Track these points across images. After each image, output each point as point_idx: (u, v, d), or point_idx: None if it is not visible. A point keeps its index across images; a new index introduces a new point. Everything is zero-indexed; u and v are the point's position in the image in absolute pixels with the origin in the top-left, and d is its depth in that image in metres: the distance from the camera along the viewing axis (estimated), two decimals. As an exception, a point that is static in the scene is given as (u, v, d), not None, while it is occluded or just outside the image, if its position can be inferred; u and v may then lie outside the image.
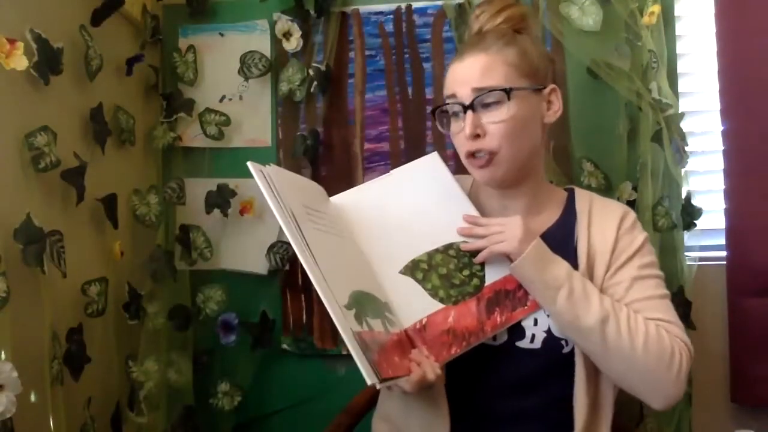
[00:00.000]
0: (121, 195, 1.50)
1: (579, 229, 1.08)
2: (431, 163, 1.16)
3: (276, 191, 0.94)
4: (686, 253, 1.48)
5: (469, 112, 1.01)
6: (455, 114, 1.06)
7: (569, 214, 1.11)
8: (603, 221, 1.08)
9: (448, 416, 1.03)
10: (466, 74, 1.03)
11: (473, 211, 1.10)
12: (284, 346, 1.64)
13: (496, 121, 1.01)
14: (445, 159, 1.17)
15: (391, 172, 1.16)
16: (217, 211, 1.61)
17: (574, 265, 1.03)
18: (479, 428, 1.05)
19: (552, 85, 1.08)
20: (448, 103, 1.06)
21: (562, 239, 1.07)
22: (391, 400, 1.14)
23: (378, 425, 1.16)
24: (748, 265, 1.47)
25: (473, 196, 1.13)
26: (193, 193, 1.64)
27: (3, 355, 1.06)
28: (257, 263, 1.63)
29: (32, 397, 1.16)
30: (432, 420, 1.04)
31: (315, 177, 1.63)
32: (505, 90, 1.00)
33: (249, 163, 0.96)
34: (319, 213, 1.02)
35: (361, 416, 1.32)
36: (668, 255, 1.48)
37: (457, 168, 1.11)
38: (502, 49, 1.03)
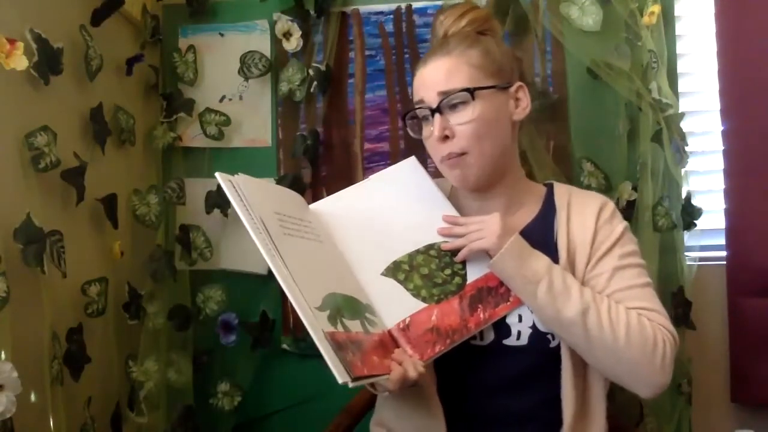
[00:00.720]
0: (121, 195, 1.50)
1: (558, 223, 1.08)
2: (410, 166, 1.17)
3: (245, 200, 0.95)
4: (686, 253, 1.48)
5: (437, 115, 1.03)
6: (425, 118, 1.07)
7: (548, 208, 1.11)
8: (582, 213, 1.08)
9: (443, 419, 1.03)
10: (431, 78, 1.05)
11: (452, 212, 1.11)
12: (284, 346, 1.64)
13: (462, 122, 1.02)
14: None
15: (370, 177, 1.18)
16: (217, 211, 1.61)
17: (555, 260, 1.03)
18: (474, 430, 1.05)
19: (518, 83, 1.08)
20: (416, 108, 1.07)
21: (542, 234, 1.07)
22: (386, 406, 1.14)
23: (375, 431, 1.16)
24: (748, 265, 1.47)
25: (452, 198, 1.14)
26: (193, 193, 1.64)
27: (3, 355, 1.07)
28: (257, 263, 1.63)
29: (32, 397, 1.16)
30: (427, 424, 1.03)
31: (315, 177, 1.64)
32: (469, 90, 1.01)
33: (217, 174, 0.96)
34: (294, 219, 1.03)
35: (360, 416, 1.32)
36: (668, 255, 1.48)
37: (438, 170, 1.13)
38: (465, 51, 1.04)
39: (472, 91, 1.01)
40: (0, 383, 1.02)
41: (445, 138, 1.03)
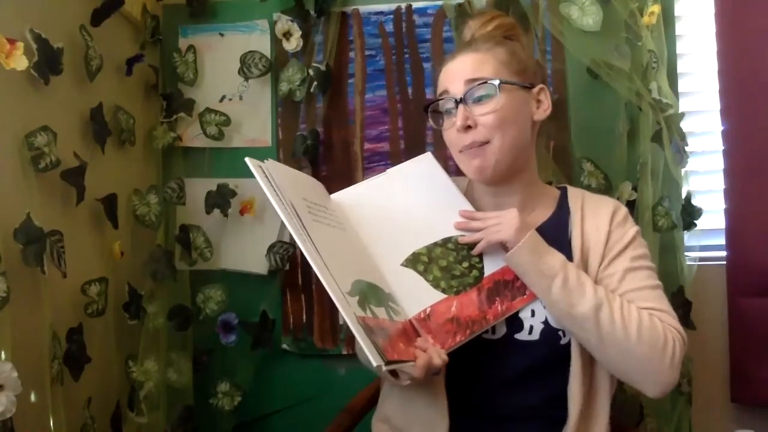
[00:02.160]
0: (121, 195, 1.50)
1: (573, 225, 1.10)
2: (426, 161, 1.19)
3: (276, 185, 0.97)
4: (686, 253, 1.48)
5: (461, 106, 1.05)
6: (448, 111, 1.10)
7: (562, 210, 1.14)
8: (595, 216, 1.10)
9: (447, 414, 1.03)
10: (459, 69, 1.08)
11: (469, 207, 1.12)
12: (284, 346, 1.64)
13: (486, 112, 1.04)
14: (444, 158, 1.18)
15: (387, 171, 1.19)
16: (217, 211, 1.61)
17: (569, 258, 1.05)
18: (479, 426, 1.05)
19: (541, 85, 1.11)
20: (439, 99, 1.10)
21: (556, 233, 1.09)
22: (390, 400, 1.14)
23: (377, 426, 1.16)
24: (748, 265, 1.47)
25: (468, 195, 1.16)
26: (193, 193, 1.64)
27: (3, 355, 1.06)
28: (257, 263, 1.63)
29: (32, 397, 1.16)
30: (432, 417, 1.04)
31: (315, 177, 1.61)
32: (495, 83, 1.04)
33: (247, 159, 0.98)
34: (320, 206, 1.05)
35: (361, 416, 1.32)
36: (668, 255, 1.48)
37: (454, 169, 1.14)
38: (492, 48, 1.08)
39: (499, 84, 1.04)
40: (0, 383, 1.02)
41: (467, 128, 1.05)
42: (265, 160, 1.00)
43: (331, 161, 1.65)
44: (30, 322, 1.17)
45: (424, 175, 1.17)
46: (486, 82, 1.04)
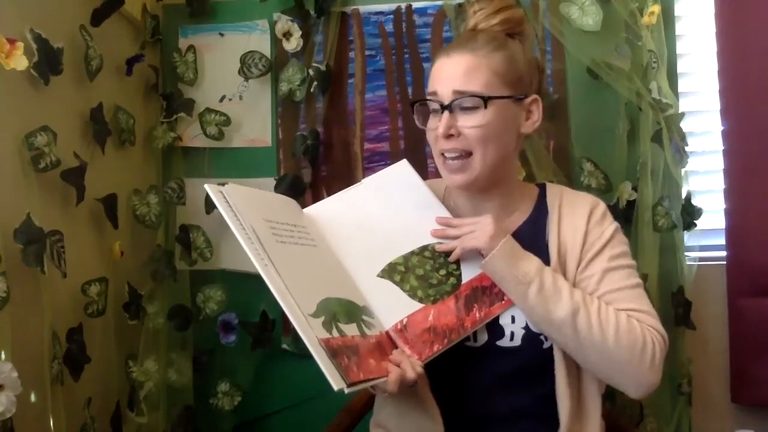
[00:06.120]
0: (121, 195, 1.50)
1: (550, 225, 1.09)
2: (402, 170, 1.18)
3: (235, 210, 0.96)
4: (686, 253, 1.48)
5: (446, 113, 1.02)
6: (434, 111, 1.07)
7: (540, 210, 1.12)
8: (573, 215, 1.09)
9: (441, 420, 1.03)
10: (450, 73, 1.03)
11: (445, 214, 1.11)
12: (284, 346, 1.64)
13: (471, 125, 1.02)
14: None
15: (362, 181, 1.18)
16: (217, 211, 1.59)
17: (546, 261, 1.04)
18: (473, 429, 1.05)
19: (534, 96, 1.07)
20: (428, 99, 1.06)
21: (533, 236, 1.08)
22: (385, 408, 1.14)
23: None
24: (748, 265, 1.47)
25: (446, 199, 1.15)
26: (193, 193, 1.64)
27: (3, 355, 1.07)
28: (257, 263, 1.63)
29: (32, 397, 1.16)
30: (426, 425, 1.04)
31: (315, 177, 1.64)
32: (483, 98, 1.01)
33: (206, 186, 0.97)
34: (287, 226, 1.03)
35: (361, 416, 1.32)
36: (668, 255, 1.48)
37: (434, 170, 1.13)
38: (489, 54, 1.03)
39: (486, 99, 1.01)
40: (0, 383, 1.02)
41: (449, 136, 1.03)
42: (225, 185, 0.99)
43: (331, 161, 1.65)
44: (30, 322, 1.17)
45: (399, 184, 1.15)
46: (474, 96, 1.01)
